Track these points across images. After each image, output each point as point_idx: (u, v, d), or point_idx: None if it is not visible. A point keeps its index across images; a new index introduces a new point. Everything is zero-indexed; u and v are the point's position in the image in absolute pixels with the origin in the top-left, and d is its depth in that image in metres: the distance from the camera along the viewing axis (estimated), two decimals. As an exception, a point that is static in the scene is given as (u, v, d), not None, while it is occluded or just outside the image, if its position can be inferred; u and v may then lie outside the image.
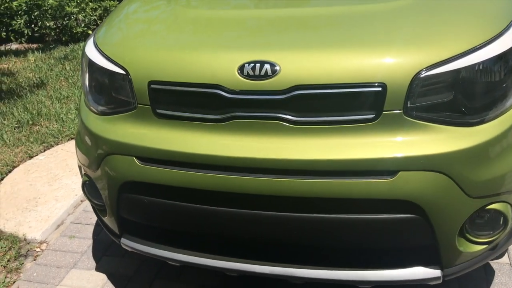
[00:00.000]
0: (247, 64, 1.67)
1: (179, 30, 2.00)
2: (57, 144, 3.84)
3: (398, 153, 1.60)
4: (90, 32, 6.62)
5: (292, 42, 1.75)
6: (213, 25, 1.97)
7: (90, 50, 2.07)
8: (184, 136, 1.78)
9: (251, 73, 1.66)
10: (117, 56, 1.93)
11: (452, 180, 1.60)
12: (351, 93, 1.62)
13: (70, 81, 5.06)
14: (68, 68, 5.45)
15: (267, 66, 1.65)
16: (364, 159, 1.60)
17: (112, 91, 1.96)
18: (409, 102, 1.61)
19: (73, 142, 3.74)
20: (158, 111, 1.82)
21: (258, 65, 1.66)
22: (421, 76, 1.59)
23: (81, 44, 6.41)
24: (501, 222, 1.73)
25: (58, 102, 4.51)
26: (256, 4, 2.18)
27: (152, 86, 1.80)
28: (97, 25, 6.84)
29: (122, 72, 1.87)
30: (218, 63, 1.72)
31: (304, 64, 1.64)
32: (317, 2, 2.07)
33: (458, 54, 1.61)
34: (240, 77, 1.67)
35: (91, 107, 2.05)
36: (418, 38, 1.67)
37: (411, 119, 1.61)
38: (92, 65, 2.03)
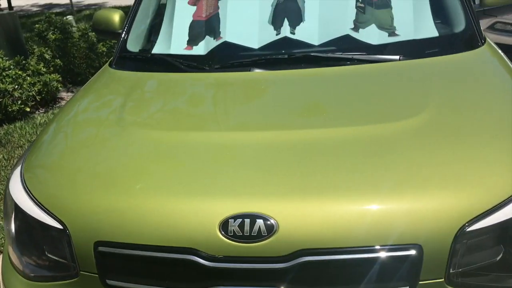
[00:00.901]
0: (232, 220, 1.26)
1: (137, 165, 1.51)
2: (-17, 262, 3.20)
3: None
4: (27, 109, 6.04)
5: (292, 187, 1.32)
6: (181, 158, 1.51)
7: (16, 190, 1.56)
8: (146, 320, 1.30)
9: (238, 232, 1.24)
10: (50, 202, 1.45)
11: None
12: (376, 259, 1.23)
13: (3, 173, 4.43)
14: (0, 156, 4.83)
15: (259, 222, 1.24)
16: None
17: (46, 250, 1.46)
18: (451, 267, 1.23)
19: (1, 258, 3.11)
20: (109, 282, 1.36)
21: (247, 220, 1.25)
22: (466, 231, 1.22)
23: (17, 125, 5.80)
24: None
25: (-13, 203, 3.88)
26: (238, 125, 1.69)
27: (100, 248, 1.33)
28: (36, 101, 6.27)
29: (58, 226, 1.39)
30: (192, 218, 1.30)
31: (311, 219, 1.24)
32: (315, 123, 1.63)
33: (507, 199, 1.26)
34: (223, 238, 1.25)
35: (16, 265, 1.53)
36: (455, 179, 1.30)
37: None
38: (18, 210, 1.53)
